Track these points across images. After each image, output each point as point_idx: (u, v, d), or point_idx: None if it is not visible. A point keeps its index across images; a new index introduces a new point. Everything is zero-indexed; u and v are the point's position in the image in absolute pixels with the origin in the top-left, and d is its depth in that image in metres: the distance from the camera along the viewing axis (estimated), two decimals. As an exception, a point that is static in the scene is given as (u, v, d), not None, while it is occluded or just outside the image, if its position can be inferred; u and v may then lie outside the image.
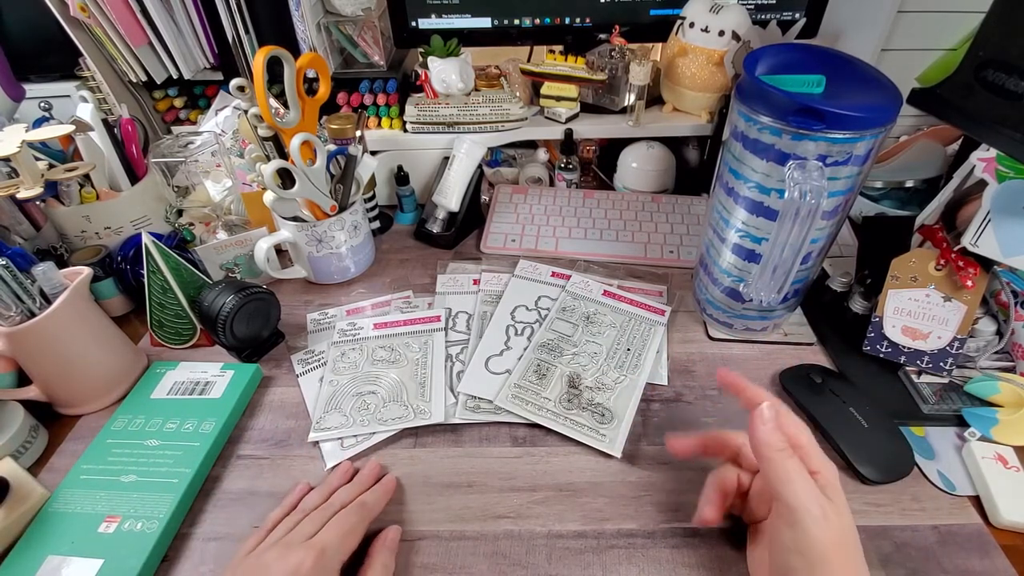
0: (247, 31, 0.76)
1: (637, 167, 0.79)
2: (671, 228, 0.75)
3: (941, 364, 0.53)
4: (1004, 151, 0.47)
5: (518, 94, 0.79)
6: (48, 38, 0.75)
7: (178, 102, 0.86)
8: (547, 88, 0.77)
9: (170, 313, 0.59)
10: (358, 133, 0.71)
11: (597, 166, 0.87)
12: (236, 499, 0.48)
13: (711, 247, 0.57)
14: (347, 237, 0.66)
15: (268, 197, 0.61)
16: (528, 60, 0.84)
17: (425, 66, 0.75)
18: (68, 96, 0.79)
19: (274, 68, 0.55)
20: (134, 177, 0.68)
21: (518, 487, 0.48)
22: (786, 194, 0.44)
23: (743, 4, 0.71)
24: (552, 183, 0.84)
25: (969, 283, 0.50)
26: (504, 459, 0.51)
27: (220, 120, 0.78)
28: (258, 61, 0.53)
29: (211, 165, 0.74)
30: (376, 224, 0.78)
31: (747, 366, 0.58)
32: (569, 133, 0.77)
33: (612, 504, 0.47)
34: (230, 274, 0.66)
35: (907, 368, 0.55)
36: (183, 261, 0.59)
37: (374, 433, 0.52)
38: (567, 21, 0.77)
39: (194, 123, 0.85)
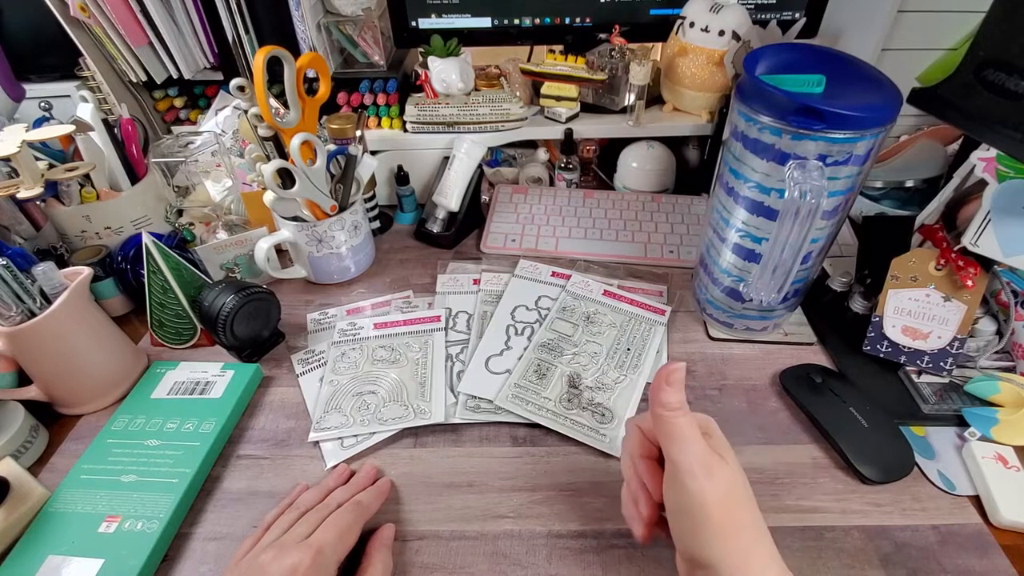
0: (247, 31, 0.76)
1: (637, 167, 0.79)
2: (671, 228, 0.75)
3: (941, 364, 0.53)
4: (1004, 151, 0.47)
5: (518, 94, 0.79)
6: (48, 38, 0.75)
7: (178, 102, 0.86)
8: (547, 88, 0.77)
9: (170, 313, 0.59)
10: (358, 133, 0.71)
11: (597, 166, 0.87)
12: (236, 499, 0.48)
13: (711, 247, 0.57)
14: (347, 237, 0.66)
15: (268, 197, 0.61)
16: (528, 60, 0.84)
17: (425, 66, 0.75)
18: (68, 96, 0.79)
19: (274, 68, 0.55)
20: (134, 177, 0.69)
21: (518, 487, 0.48)
22: (786, 194, 0.44)
23: (743, 4, 0.71)
24: (552, 183, 0.84)
25: (969, 283, 0.50)
26: (504, 459, 0.51)
27: (220, 120, 0.78)
28: (258, 61, 0.53)
29: (211, 165, 0.74)
30: (376, 224, 0.78)
31: (747, 366, 0.58)
32: (569, 133, 0.77)
33: (612, 504, 0.47)
34: (230, 274, 0.66)
35: (907, 368, 0.55)
36: (183, 261, 0.59)
37: (374, 433, 0.52)
38: (567, 21, 0.77)
39: (194, 123, 0.85)
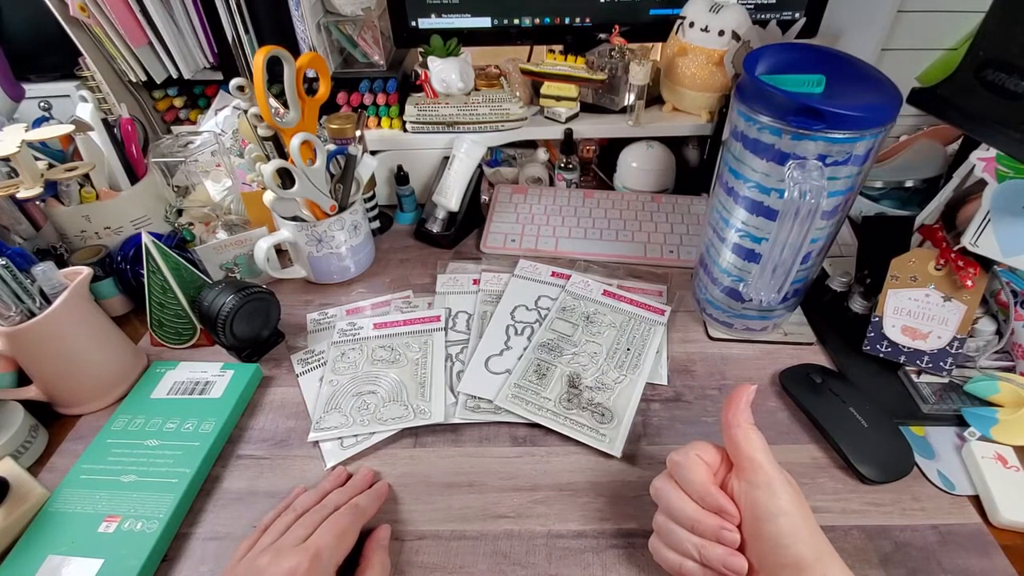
0: (247, 31, 0.76)
1: (637, 167, 0.79)
2: (671, 228, 0.75)
3: (941, 364, 0.53)
4: (1004, 151, 0.47)
5: (518, 94, 0.79)
6: (48, 38, 0.75)
7: (178, 102, 0.86)
8: (547, 88, 0.77)
9: (170, 313, 0.59)
10: (358, 133, 0.71)
11: (597, 166, 0.87)
12: (236, 499, 0.48)
13: (711, 247, 0.57)
14: (347, 237, 0.66)
15: (268, 197, 0.61)
16: (528, 60, 0.84)
17: (425, 66, 0.75)
18: (68, 96, 0.79)
19: (274, 68, 0.55)
20: (134, 177, 0.69)
21: (518, 487, 0.48)
22: (786, 194, 0.44)
23: (743, 4, 0.71)
24: (552, 183, 0.84)
25: (969, 283, 0.50)
26: (504, 459, 0.51)
27: (220, 120, 0.78)
28: (258, 61, 0.53)
29: (211, 165, 0.74)
30: (376, 224, 0.78)
31: (747, 366, 0.58)
32: (569, 133, 0.77)
33: (612, 504, 0.47)
34: (230, 274, 0.66)
35: (907, 368, 0.55)
36: (183, 261, 0.59)
37: (374, 433, 0.52)
38: (567, 21, 0.77)
39: (194, 123, 0.85)
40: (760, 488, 0.35)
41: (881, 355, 0.55)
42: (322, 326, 0.64)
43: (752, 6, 0.74)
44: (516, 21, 0.77)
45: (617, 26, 0.75)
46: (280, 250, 0.72)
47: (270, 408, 0.56)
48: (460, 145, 0.74)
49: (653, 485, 0.40)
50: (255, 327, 0.59)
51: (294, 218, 0.64)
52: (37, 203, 0.64)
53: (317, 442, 0.52)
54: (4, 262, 0.48)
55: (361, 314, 0.65)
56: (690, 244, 0.72)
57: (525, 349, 0.59)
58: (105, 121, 0.66)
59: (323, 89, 0.60)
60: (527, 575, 0.43)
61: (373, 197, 0.76)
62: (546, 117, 0.80)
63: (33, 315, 0.50)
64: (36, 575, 0.42)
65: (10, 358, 0.52)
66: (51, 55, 0.78)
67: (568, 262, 0.70)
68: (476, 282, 0.68)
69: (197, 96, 0.86)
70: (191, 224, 0.73)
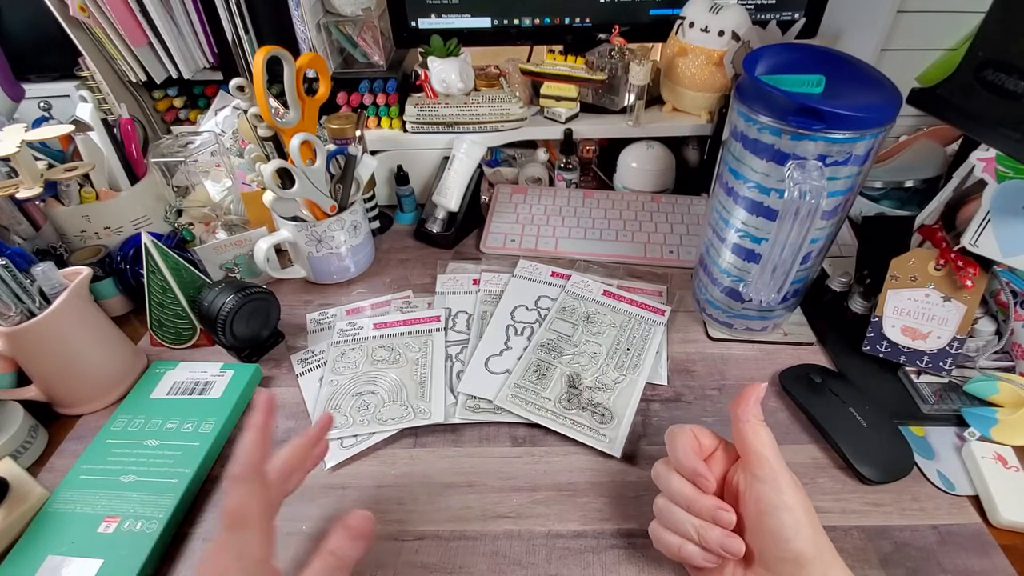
0: (247, 31, 0.76)
1: (637, 167, 0.79)
2: (671, 228, 0.75)
3: (941, 364, 0.53)
4: (1003, 151, 0.47)
5: (518, 94, 0.79)
6: (48, 38, 0.75)
7: (178, 102, 0.86)
8: (547, 88, 0.77)
9: (170, 313, 0.59)
10: (358, 133, 0.71)
11: (597, 166, 0.87)
12: (236, 499, 0.48)
13: (711, 247, 0.57)
14: (347, 237, 0.66)
15: (268, 197, 0.61)
16: (528, 60, 0.84)
17: (425, 66, 0.75)
18: (68, 96, 0.79)
19: (274, 68, 0.55)
20: (134, 177, 0.69)
21: (518, 487, 0.48)
22: (786, 194, 0.44)
23: (743, 4, 0.71)
24: (552, 183, 0.84)
25: (969, 283, 0.50)
26: (504, 459, 0.51)
27: (220, 120, 0.78)
28: (258, 61, 0.53)
29: (211, 165, 0.73)
30: (376, 224, 0.78)
31: (747, 366, 0.58)
32: (569, 133, 0.77)
33: (612, 504, 0.47)
34: (230, 274, 0.66)
35: (907, 368, 0.55)
36: (183, 261, 0.59)
37: (374, 433, 0.52)
38: (567, 21, 0.77)
39: (194, 123, 0.85)
40: (765, 482, 0.36)
41: (881, 355, 0.55)
42: (322, 326, 0.64)
43: (752, 6, 0.74)
44: (516, 21, 0.77)
45: (617, 26, 0.75)
46: (280, 250, 0.72)
47: (270, 408, 0.56)
48: (460, 145, 0.74)
49: (654, 468, 0.41)
50: (255, 327, 0.59)
51: (294, 218, 0.64)
52: (37, 203, 0.64)
53: (317, 442, 0.52)
54: (4, 262, 0.48)
55: (361, 314, 0.65)
56: (690, 244, 0.72)
57: (525, 349, 0.59)
58: (105, 121, 0.66)
59: (323, 89, 0.60)
60: (527, 575, 0.43)
61: (373, 197, 0.76)
62: (546, 117, 0.80)
63: (33, 315, 0.50)
64: (36, 575, 0.41)
65: (10, 358, 0.52)
66: (51, 55, 0.78)
67: (568, 262, 0.70)
68: (476, 282, 0.68)
69: (197, 96, 0.86)
70: (191, 224, 0.73)
